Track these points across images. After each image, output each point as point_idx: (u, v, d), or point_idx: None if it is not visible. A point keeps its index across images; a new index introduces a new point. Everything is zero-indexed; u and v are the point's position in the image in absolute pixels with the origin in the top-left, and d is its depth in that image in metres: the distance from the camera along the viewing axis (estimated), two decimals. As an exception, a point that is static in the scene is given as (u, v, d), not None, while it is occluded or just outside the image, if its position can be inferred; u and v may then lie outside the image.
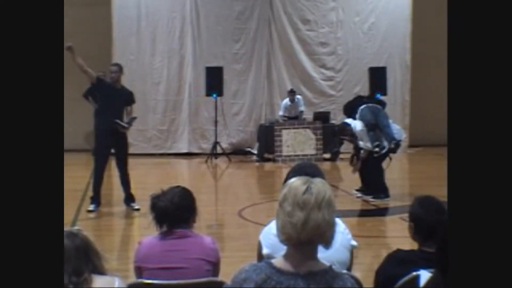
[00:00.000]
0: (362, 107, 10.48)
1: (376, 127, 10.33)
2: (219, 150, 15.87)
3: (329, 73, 17.42)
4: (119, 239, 8.68)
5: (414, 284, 3.17)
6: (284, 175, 4.08)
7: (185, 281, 3.64)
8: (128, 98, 9.71)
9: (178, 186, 4.00)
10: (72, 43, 8.75)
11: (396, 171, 13.03)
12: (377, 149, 10.24)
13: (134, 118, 9.78)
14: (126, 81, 10.65)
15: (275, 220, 2.48)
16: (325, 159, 15.44)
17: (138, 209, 9.38)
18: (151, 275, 3.72)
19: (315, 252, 2.45)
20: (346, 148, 12.76)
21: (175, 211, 3.82)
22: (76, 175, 12.24)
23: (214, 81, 15.71)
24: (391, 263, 3.48)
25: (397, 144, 10.53)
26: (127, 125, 9.52)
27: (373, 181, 10.46)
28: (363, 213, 9.88)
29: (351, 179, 11.27)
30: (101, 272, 2.87)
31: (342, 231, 3.70)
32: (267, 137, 15.71)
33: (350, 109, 10.87)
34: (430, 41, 16.33)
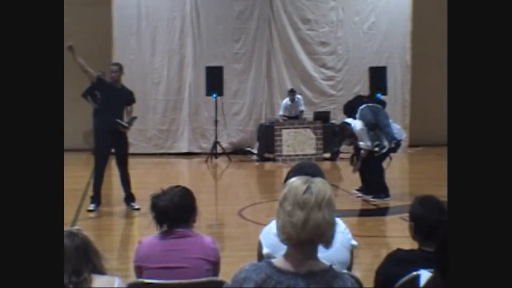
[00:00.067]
0: (362, 106, 10.48)
1: (376, 126, 10.33)
2: (219, 149, 15.87)
3: (329, 72, 17.41)
4: (119, 239, 8.68)
5: (414, 284, 3.17)
6: (284, 175, 4.08)
7: (185, 280, 3.64)
8: (128, 97, 9.71)
9: (178, 186, 4.00)
10: (72, 43, 8.76)
11: (396, 171, 13.04)
12: (377, 149, 10.24)
13: (135, 117, 9.77)
14: (126, 81, 10.65)
15: (275, 219, 2.48)
16: (325, 159, 15.43)
17: (138, 209, 9.39)
18: (151, 274, 3.72)
19: (315, 251, 2.45)
20: (346, 147, 12.75)
21: (175, 210, 3.82)
22: (76, 174, 12.24)
23: (214, 80, 15.71)
24: (391, 262, 3.48)
25: (398, 143, 10.54)
26: (127, 125, 9.52)
27: (373, 181, 10.45)
28: (363, 213, 9.88)
29: (351, 179, 11.27)
30: (101, 272, 2.87)
31: (342, 230, 3.70)
32: (267, 137, 15.71)
33: (350, 109, 10.86)
34: (430, 40, 16.33)
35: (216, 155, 15.77)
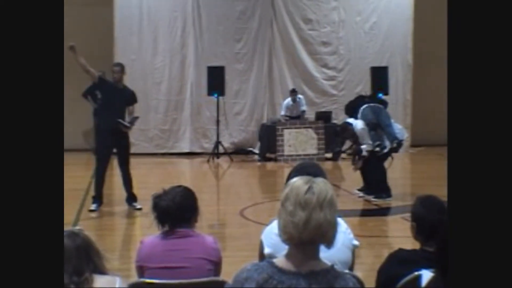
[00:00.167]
0: (363, 106, 10.47)
1: (378, 126, 10.32)
2: (221, 149, 15.87)
3: (331, 72, 17.41)
4: (121, 239, 8.68)
5: (416, 284, 3.17)
6: (286, 175, 4.07)
7: (187, 280, 3.64)
8: (130, 98, 9.71)
9: (180, 186, 4.00)
10: (74, 43, 8.76)
11: (398, 171, 13.02)
12: (378, 149, 10.23)
13: (136, 117, 9.78)
14: (127, 81, 10.66)
15: (277, 219, 2.48)
16: (327, 159, 15.42)
17: (140, 209, 9.39)
18: (152, 274, 3.72)
19: (317, 251, 2.45)
20: (348, 148, 12.75)
21: (177, 210, 3.82)
22: (76, 174, 12.24)
23: (216, 80, 15.70)
24: (393, 262, 3.47)
25: (399, 143, 10.53)
26: (129, 125, 9.53)
27: (375, 181, 10.45)
28: (365, 213, 9.88)
29: (353, 179, 11.27)
30: (102, 271, 2.87)
31: (344, 230, 3.70)
32: (269, 137, 15.70)
33: (352, 109, 10.85)
34: (431, 40, 16.30)
35: (218, 155, 15.77)
